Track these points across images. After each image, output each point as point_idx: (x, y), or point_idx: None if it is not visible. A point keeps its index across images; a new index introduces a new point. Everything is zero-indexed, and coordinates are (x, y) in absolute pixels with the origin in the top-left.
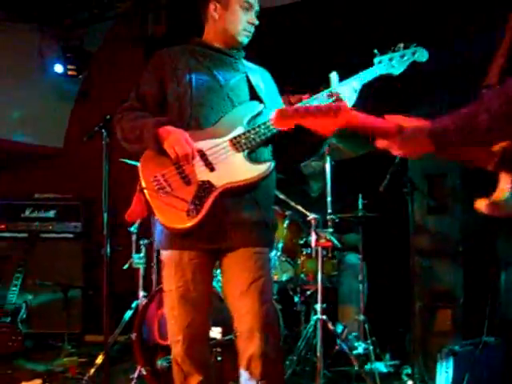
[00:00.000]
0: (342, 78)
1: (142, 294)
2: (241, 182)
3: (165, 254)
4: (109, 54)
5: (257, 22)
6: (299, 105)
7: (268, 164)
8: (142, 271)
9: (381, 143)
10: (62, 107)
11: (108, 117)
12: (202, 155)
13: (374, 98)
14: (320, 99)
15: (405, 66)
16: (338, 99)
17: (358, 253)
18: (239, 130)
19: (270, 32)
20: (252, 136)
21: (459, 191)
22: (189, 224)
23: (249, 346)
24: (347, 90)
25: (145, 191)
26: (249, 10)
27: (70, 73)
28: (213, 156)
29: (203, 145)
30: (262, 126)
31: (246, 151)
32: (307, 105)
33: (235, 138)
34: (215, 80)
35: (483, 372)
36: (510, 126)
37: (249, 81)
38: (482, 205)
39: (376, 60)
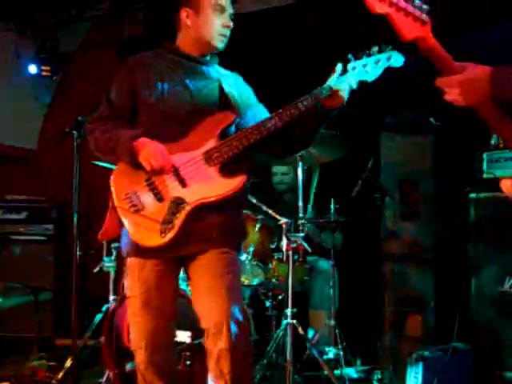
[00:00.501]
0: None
1: (112, 297)
2: (213, 198)
3: (129, 261)
4: (85, 56)
5: (231, 25)
6: None
7: (240, 177)
8: (112, 275)
9: (440, 81)
10: (36, 108)
11: (80, 118)
12: (174, 170)
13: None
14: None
15: (379, 71)
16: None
17: (330, 258)
18: (211, 143)
19: (246, 37)
20: (225, 149)
21: (431, 197)
22: (161, 242)
23: (217, 341)
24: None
25: (117, 209)
26: (222, 13)
27: (44, 74)
28: (185, 171)
29: (175, 159)
30: (235, 139)
31: (219, 165)
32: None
33: (207, 152)
34: (187, 90)
35: (452, 377)
36: None
37: (221, 89)
38: (507, 185)
39: (349, 66)
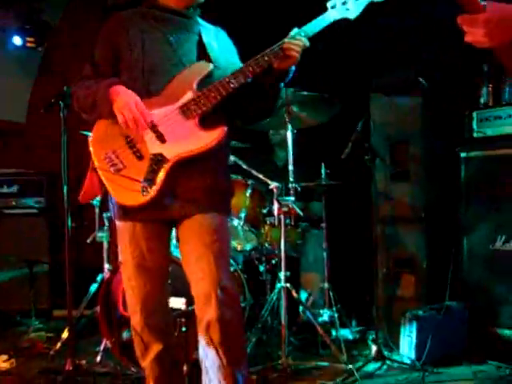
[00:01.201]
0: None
1: (106, 267)
2: (193, 152)
3: (119, 225)
4: (70, 26)
5: None
6: None
7: (220, 129)
8: (105, 244)
9: (463, 19)
10: (23, 81)
11: (66, 88)
12: (153, 126)
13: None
14: (270, 53)
15: (361, 8)
16: (286, 54)
17: (322, 222)
18: (189, 96)
19: None
20: (202, 101)
21: (422, 158)
22: (143, 200)
23: (207, 310)
24: (297, 43)
25: (98, 170)
26: None
27: (28, 45)
28: (163, 126)
29: (154, 114)
30: (212, 89)
31: (197, 117)
32: None
33: (185, 104)
34: (168, 44)
35: (446, 336)
36: None
37: (201, 41)
38: None
39: (329, 4)
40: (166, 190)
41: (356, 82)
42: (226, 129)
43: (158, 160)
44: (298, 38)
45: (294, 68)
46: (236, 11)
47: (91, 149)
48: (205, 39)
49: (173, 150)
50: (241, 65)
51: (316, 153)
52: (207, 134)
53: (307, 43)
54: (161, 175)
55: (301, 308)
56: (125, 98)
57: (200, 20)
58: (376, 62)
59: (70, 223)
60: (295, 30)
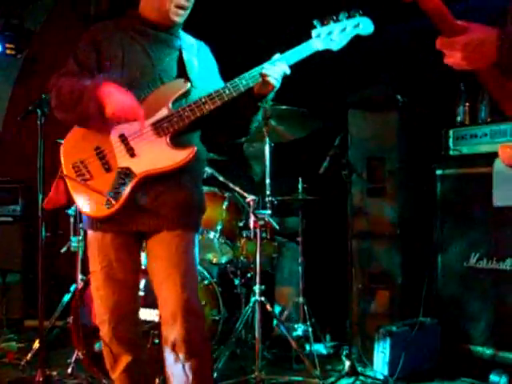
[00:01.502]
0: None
1: (80, 277)
2: (161, 169)
3: (89, 235)
4: (51, 33)
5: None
6: None
7: (190, 149)
8: (80, 254)
9: (442, 43)
10: (1, 88)
11: (44, 96)
12: (124, 140)
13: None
14: (248, 78)
15: (346, 40)
16: (266, 81)
17: (298, 236)
18: (163, 113)
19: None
20: (175, 119)
21: (398, 174)
22: (106, 213)
23: (172, 331)
24: (278, 70)
25: (66, 178)
26: None
27: (8, 52)
28: (134, 141)
29: (125, 128)
30: (187, 109)
31: (169, 135)
32: None
33: (158, 121)
34: (148, 58)
35: (420, 352)
36: None
37: (181, 57)
38: (506, 153)
39: (314, 33)
40: (133, 203)
41: (334, 98)
42: (195, 149)
43: (126, 174)
44: (279, 65)
45: (272, 93)
46: (221, 28)
47: (61, 156)
48: (185, 56)
49: (141, 166)
50: (221, 82)
51: (293, 167)
52: (177, 153)
53: (288, 71)
54: (126, 189)
55: (275, 322)
56: (118, 95)
57: (182, 34)
58: (354, 78)
59: (44, 232)
60: (277, 56)
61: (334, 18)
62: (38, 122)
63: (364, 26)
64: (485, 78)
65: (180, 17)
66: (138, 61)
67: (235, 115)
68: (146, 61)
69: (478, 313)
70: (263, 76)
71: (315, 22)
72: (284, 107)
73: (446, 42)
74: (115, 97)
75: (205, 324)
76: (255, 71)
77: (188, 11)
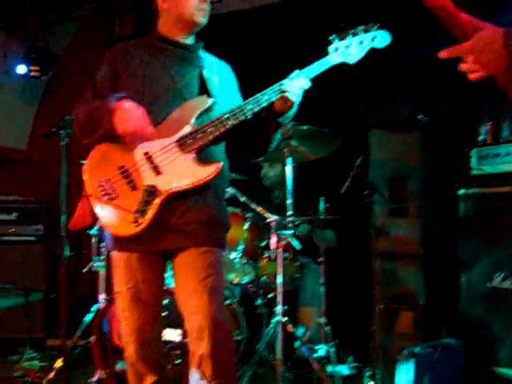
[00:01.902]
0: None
1: (102, 297)
2: (187, 186)
3: (114, 255)
4: (74, 55)
5: None
6: None
7: (216, 165)
8: (102, 274)
9: (451, 51)
10: (26, 109)
11: (67, 117)
12: (149, 157)
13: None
14: (269, 93)
15: (363, 53)
16: (285, 97)
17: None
18: (187, 129)
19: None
20: (199, 136)
21: (420, 194)
22: (134, 231)
23: (199, 345)
24: (297, 84)
25: (90, 198)
26: None
27: (32, 74)
28: (159, 158)
29: (149, 146)
30: (211, 125)
31: (194, 152)
32: None
33: (182, 138)
34: (169, 76)
35: (443, 374)
36: None
37: (201, 75)
38: None
39: (331, 48)
40: (159, 221)
41: (356, 118)
42: (221, 165)
43: (152, 192)
44: (298, 80)
45: (294, 109)
46: (242, 48)
47: (85, 176)
48: (206, 73)
49: (167, 183)
50: (241, 100)
51: (315, 187)
52: (202, 169)
53: (307, 85)
54: (153, 207)
55: (297, 343)
56: (129, 112)
57: (203, 53)
58: (376, 98)
59: (67, 252)
60: (296, 72)
61: (352, 32)
62: (62, 143)
63: (380, 38)
64: (504, 84)
65: (204, 17)
66: (158, 78)
67: (256, 132)
68: (167, 78)
69: (502, 334)
70: (282, 92)
71: (332, 37)
72: (305, 127)
73: (452, 49)
74: (124, 114)
75: (232, 341)
76: (276, 87)
77: (210, 12)
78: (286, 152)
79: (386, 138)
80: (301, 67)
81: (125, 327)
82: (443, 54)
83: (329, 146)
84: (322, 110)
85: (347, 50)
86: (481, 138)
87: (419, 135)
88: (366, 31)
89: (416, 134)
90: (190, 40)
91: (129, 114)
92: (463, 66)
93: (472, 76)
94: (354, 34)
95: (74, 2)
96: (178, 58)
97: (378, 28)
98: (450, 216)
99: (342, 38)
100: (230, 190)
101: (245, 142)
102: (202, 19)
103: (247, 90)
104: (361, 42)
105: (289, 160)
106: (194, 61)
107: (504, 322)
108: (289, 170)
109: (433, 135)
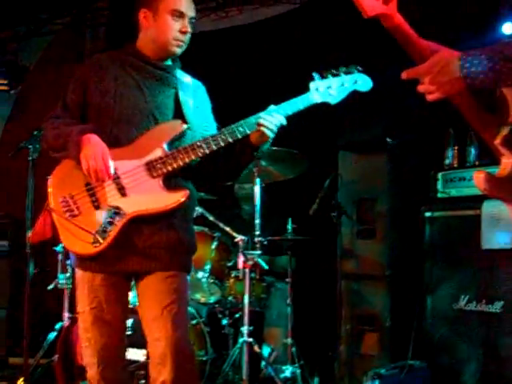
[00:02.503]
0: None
1: (66, 315)
2: (151, 211)
3: (78, 274)
4: (46, 70)
5: (190, 30)
6: None
7: (183, 192)
8: (68, 292)
9: (409, 73)
10: None
11: (36, 133)
12: (116, 178)
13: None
14: (245, 125)
15: (344, 94)
16: (261, 131)
17: (287, 277)
18: (157, 153)
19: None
20: (169, 161)
21: (387, 216)
22: (92, 251)
23: (161, 372)
24: (274, 121)
25: (52, 213)
26: (180, 18)
27: (1, 88)
28: (127, 180)
29: (118, 166)
30: (182, 151)
31: (162, 177)
32: None
33: (151, 161)
34: (141, 95)
35: None
36: None
37: (177, 97)
38: (480, 178)
39: (313, 86)
40: (124, 243)
41: (325, 140)
42: (188, 192)
43: (115, 213)
44: (275, 115)
45: (268, 143)
46: (221, 72)
47: (50, 189)
48: (181, 96)
49: (131, 206)
50: (214, 124)
51: (283, 207)
52: (169, 195)
53: (284, 121)
54: (115, 228)
55: (263, 363)
56: (93, 148)
57: (180, 73)
58: (345, 121)
59: (31, 269)
60: (274, 107)
61: (333, 72)
62: (30, 158)
63: (363, 82)
64: (460, 105)
65: (180, 48)
66: (130, 96)
67: (229, 161)
68: (139, 96)
69: (467, 356)
70: (259, 125)
71: (314, 75)
72: (275, 148)
73: (413, 69)
74: (89, 152)
75: (195, 366)
76: (252, 119)
77: (187, 43)
78: (255, 172)
79: (355, 160)
80: (279, 100)
81: (87, 348)
82: (403, 75)
83: (297, 167)
84: (291, 132)
85: (328, 90)
86: (447, 161)
87: (387, 158)
88: (347, 73)
89: (384, 156)
90: (167, 60)
91: (93, 152)
92: (421, 88)
93: (429, 97)
94: (335, 75)
95: (45, 16)
96: (153, 77)
97: (360, 71)
98: (417, 238)
99: (323, 77)
100: (198, 209)
101: (217, 169)
102: (177, 50)
103: (222, 115)
104: (342, 84)
105: (258, 180)
106: (170, 81)
107: (468, 344)
108: (257, 190)
109: (400, 158)
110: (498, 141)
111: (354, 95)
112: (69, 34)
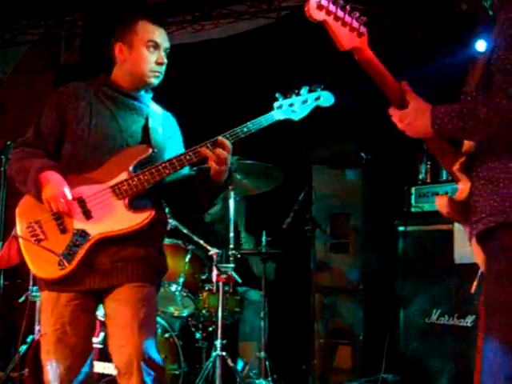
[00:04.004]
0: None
1: (38, 328)
2: (116, 232)
3: (43, 295)
4: (19, 81)
5: (165, 61)
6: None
7: (148, 213)
8: (38, 304)
9: (391, 111)
10: None
11: (9, 143)
12: (81, 201)
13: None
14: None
15: (307, 111)
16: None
17: (260, 288)
18: (123, 176)
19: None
20: (134, 183)
21: (361, 230)
22: (58, 274)
23: (129, 381)
24: (220, 154)
25: (18, 239)
26: (156, 49)
27: None
28: (92, 203)
29: (84, 190)
30: (147, 173)
31: (127, 198)
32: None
33: (117, 184)
34: (116, 124)
35: None
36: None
37: (146, 123)
38: (442, 202)
39: (276, 105)
40: (90, 264)
41: (299, 154)
42: (153, 213)
43: (81, 236)
44: (219, 150)
45: (225, 178)
46: (195, 84)
47: (16, 215)
48: (151, 124)
49: (97, 228)
50: (182, 149)
51: (258, 221)
52: (134, 216)
53: (229, 154)
54: (80, 251)
55: (236, 377)
56: (52, 190)
57: (151, 103)
58: (319, 135)
59: (2, 280)
60: (221, 136)
61: (296, 91)
62: (1, 168)
63: (324, 98)
64: (430, 143)
65: (157, 78)
66: (104, 125)
67: (192, 196)
68: (114, 126)
69: (439, 369)
70: (219, 143)
71: (277, 95)
72: (249, 162)
73: (392, 112)
74: (50, 192)
75: (164, 376)
76: (214, 139)
77: (163, 73)
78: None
79: (328, 173)
80: (243, 120)
81: (48, 373)
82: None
83: (272, 180)
84: (265, 145)
85: (291, 108)
86: (420, 176)
87: (361, 172)
88: (310, 92)
89: (358, 170)
90: (140, 90)
91: (52, 194)
92: (399, 126)
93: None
94: (298, 94)
95: (20, 27)
96: (126, 106)
97: (323, 89)
98: (390, 252)
99: (286, 97)
100: (172, 222)
101: (181, 203)
102: (154, 81)
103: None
104: (304, 101)
105: (232, 194)
106: (141, 110)
107: (440, 358)
108: (232, 203)
109: (374, 172)
110: (456, 167)
111: (330, 110)
112: (44, 45)
